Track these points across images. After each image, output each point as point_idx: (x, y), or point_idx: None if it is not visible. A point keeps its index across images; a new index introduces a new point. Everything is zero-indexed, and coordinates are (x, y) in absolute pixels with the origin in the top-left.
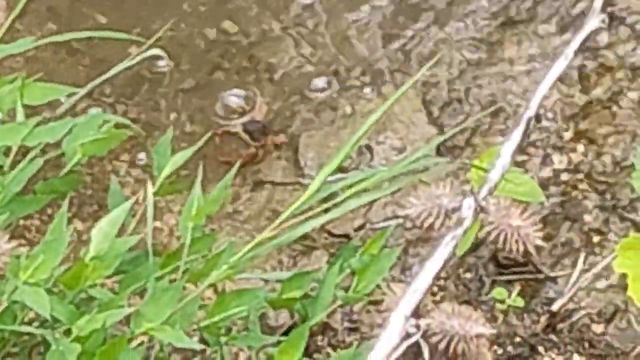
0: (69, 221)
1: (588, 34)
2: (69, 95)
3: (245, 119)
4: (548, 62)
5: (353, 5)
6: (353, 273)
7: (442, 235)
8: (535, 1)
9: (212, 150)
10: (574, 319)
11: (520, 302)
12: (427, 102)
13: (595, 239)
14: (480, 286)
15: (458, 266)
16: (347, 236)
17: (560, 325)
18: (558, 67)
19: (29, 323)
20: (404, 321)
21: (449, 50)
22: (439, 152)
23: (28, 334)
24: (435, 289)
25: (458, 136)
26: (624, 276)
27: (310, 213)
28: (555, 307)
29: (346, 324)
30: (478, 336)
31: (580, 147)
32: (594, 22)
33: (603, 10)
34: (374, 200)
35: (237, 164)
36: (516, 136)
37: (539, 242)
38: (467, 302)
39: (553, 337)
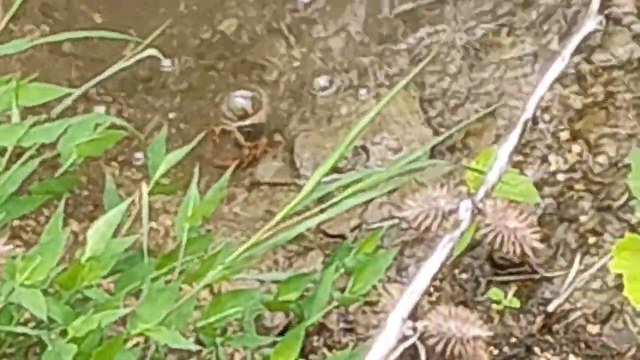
0: (65, 222)
1: (585, 36)
2: (65, 96)
3: (250, 121)
4: (545, 64)
5: (349, 6)
6: (349, 274)
7: (439, 237)
8: (532, 3)
9: (209, 151)
10: (570, 319)
11: (516, 303)
12: (423, 103)
13: (591, 239)
14: (476, 287)
15: (454, 267)
16: (342, 237)
17: (556, 326)
18: (555, 69)
19: (25, 324)
20: (401, 323)
21: (445, 51)
22: (435, 153)
23: (24, 334)
24: (431, 289)
25: (454, 137)
26: (619, 277)
27: (306, 214)
28: (551, 307)
29: (342, 325)
30: (475, 338)
31: (576, 148)
32: (591, 24)
33: (600, 12)
34: (370, 201)
35: (233, 166)
36: (513, 138)
37: (536, 244)
38: (463, 303)
39: (549, 337)
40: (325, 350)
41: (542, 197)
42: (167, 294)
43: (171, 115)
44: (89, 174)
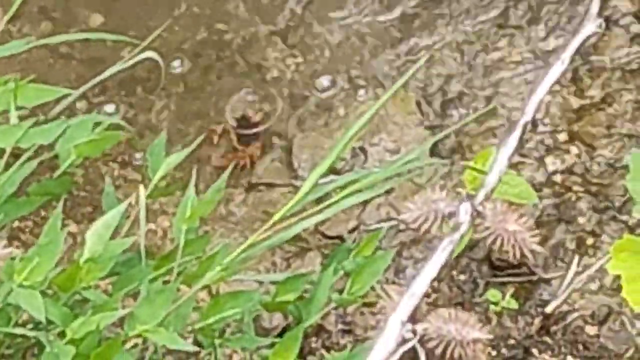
0: (63, 223)
1: (584, 38)
2: (63, 97)
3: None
4: (543, 65)
5: (347, 8)
6: (347, 275)
7: (437, 238)
8: (530, 4)
9: (207, 152)
10: (568, 321)
11: (514, 304)
12: (421, 104)
13: (589, 240)
14: (474, 288)
15: (452, 268)
16: (340, 238)
17: (554, 328)
18: (554, 72)
19: (23, 325)
20: (400, 326)
21: (444, 53)
22: (433, 154)
23: (22, 336)
24: (429, 291)
25: (452, 138)
26: (617, 278)
27: (303, 214)
28: (549, 309)
29: (340, 326)
30: (475, 341)
31: (574, 149)
32: (590, 26)
33: (599, 15)
34: (368, 202)
35: (231, 167)
36: (512, 141)
37: (535, 247)
38: (461, 304)
39: (547, 339)
40: (323, 351)
41: (540, 198)
42: (165, 295)
43: (170, 117)
44: (87, 175)
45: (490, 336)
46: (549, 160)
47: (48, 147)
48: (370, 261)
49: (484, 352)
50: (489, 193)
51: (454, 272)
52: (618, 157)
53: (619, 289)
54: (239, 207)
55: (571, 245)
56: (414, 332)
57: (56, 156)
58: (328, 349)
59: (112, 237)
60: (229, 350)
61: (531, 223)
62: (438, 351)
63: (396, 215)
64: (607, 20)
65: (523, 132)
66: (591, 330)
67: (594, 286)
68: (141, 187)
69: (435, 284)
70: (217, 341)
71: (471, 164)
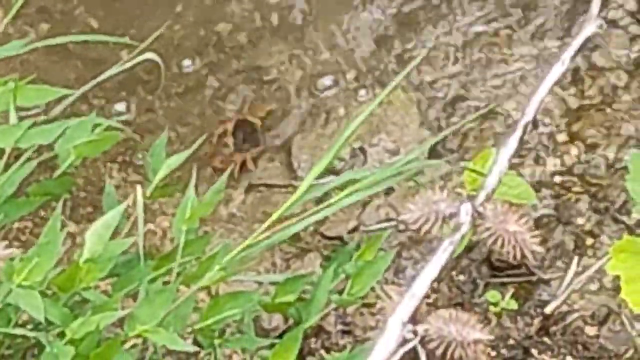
0: (63, 223)
1: (585, 39)
2: (63, 97)
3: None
4: (543, 66)
5: (347, 8)
6: (347, 276)
7: (438, 239)
8: (530, 5)
9: (206, 153)
10: (567, 321)
11: (514, 305)
12: (421, 105)
13: (589, 241)
14: (474, 289)
15: (452, 268)
16: (340, 239)
17: (553, 328)
18: (555, 73)
19: (23, 325)
20: (401, 327)
21: (443, 53)
22: (433, 155)
23: (22, 336)
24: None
25: (452, 139)
26: (617, 278)
27: (302, 215)
28: (548, 309)
29: (340, 327)
30: (475, 342)
31: (574, 150)
32: (591, 27)
33: (599, 14)
34: (367, 203)
35: (231, 167)
36: (513, 142)
37: (536, 248)
38: (461, 305)
39: (546, 339)
40: (323, 352)
41: (540, 199)
42: (165, 296)
43: (170, 117)
44: (87, 176)
45: (491, 337)
46: (548, 160)
47: (48, 147)
48: (370, 262)
49: (484, 352)
50: (489, 194)
51: (454, 273)
52: (618, 157)
53: (618, 289)
54: (238, 207)
55: (571, 246)
56: (415, 332)
57: (56, 156)
58: (328, 350)
59: (112, 238)
60: (229, 350)
61: (531, 224)
62: (439, 352)
63: (396, 215)
64: (607, 20)
65: (523, 133)
66: (591, 330)
67: (593, 287)
68: (139, 187)
69: (435, 284)
70: (216, 342)
71: (471, 164)
